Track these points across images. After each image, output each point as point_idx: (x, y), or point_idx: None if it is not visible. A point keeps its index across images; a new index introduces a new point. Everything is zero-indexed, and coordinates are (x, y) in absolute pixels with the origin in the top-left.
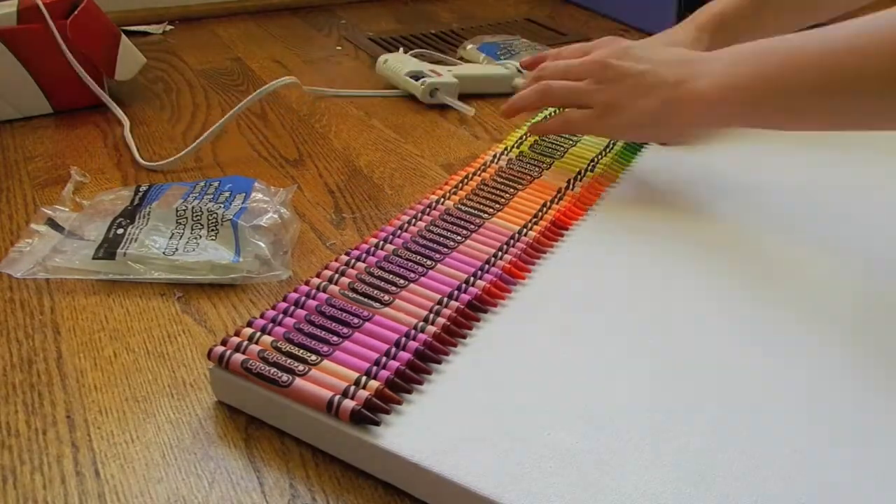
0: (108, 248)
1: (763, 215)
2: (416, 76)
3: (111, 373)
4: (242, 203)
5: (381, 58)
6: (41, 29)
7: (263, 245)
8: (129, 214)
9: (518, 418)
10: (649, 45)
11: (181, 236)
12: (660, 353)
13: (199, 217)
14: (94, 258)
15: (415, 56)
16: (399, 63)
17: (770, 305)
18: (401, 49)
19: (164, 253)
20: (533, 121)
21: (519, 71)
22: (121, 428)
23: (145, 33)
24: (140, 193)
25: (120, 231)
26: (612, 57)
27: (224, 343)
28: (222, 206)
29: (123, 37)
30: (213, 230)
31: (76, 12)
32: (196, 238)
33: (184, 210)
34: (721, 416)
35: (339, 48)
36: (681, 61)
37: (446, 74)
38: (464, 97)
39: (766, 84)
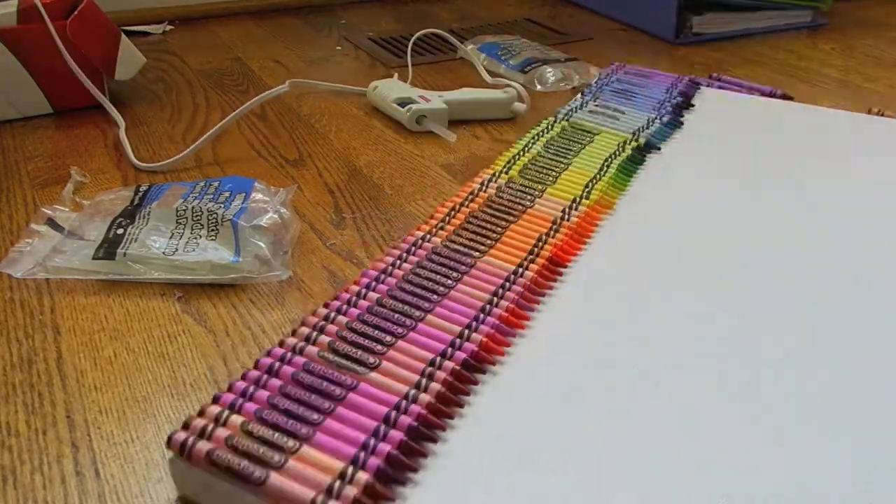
0: (108, 248)
1: (772, 238)
2: (404, 102)
3: (111, 373)
4: (242, 203)
5: (372, 84)
6: (41, 29)
7: (263, 245)
8: (129, 214)
9: None
10: None
11: (181, 236)
12: (683, 410)
13: (199, 217)
14: (94, 258)
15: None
16: (387, 89)
17: (794, 343)
18: (395, 75)
19: (164, 253)
20: (526, 137)
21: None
22: (121, 428)
23: (145, 33)
24: (140, 193)
25: (120, 231)
26: None
27: (186, 426)
28: (222, 206)
29: (123, 37)
30: (213, 230)
31: (76, 12)
32: (196, 238)
33: (184, 210)
34: (750, 476)
35: (339, 48)
36: None
37: (435, 100)
38: (458, 122)
39: None
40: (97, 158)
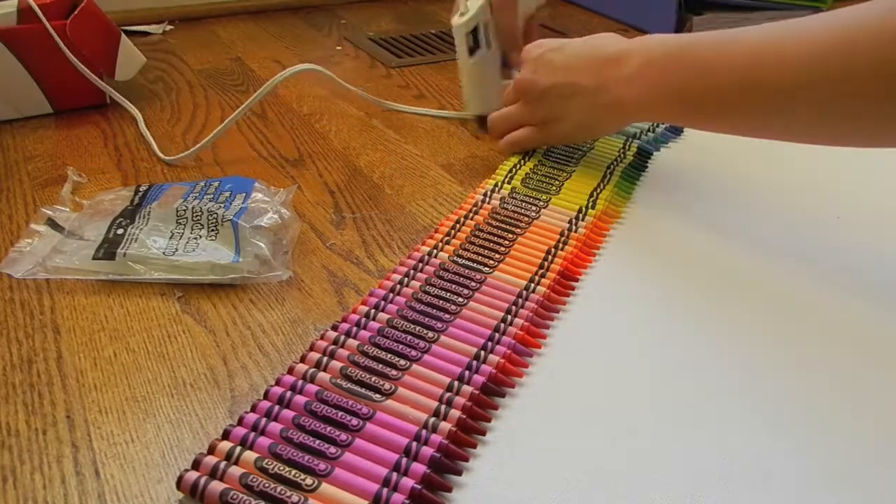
0: (108, 249)
1: (780, 240)
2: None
3: (111, 373)
4: (242, 203)
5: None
6: (41, 29)
7: (263, 245)
8: (130, 214)
9: None
10: (571, 42)
11: (181, 236)
12: (711, 424)
13: (199, 217)
14: (94, 258)
15: None
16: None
17: (809, 359)
18: None
19: (164, 253)
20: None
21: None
22: (121, 428)
23: (145, 33)
24: (140, 193)
25: (120, 231)
26: (531, 70)
27: (196, 465)
28: (222, 206)
29: (123, 37)
30: (213, 230)
31: (76, 12)
32: (196, 238)
33: (184, 210)
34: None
35: (339, 48)
36: (597, 62)
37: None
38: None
39: (681, 95)
40: (97, 158)
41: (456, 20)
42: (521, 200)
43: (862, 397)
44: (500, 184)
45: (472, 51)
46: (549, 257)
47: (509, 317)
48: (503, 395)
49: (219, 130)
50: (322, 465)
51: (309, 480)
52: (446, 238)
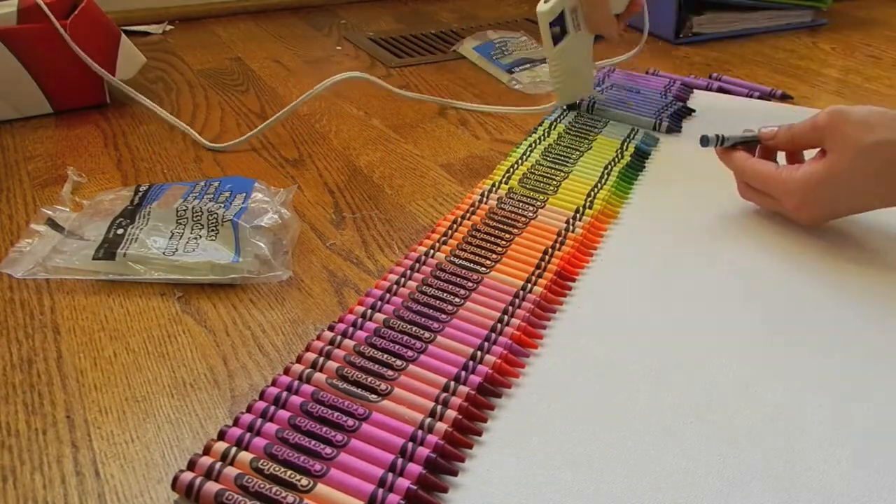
0: (108, 249)
1: (778, 240)
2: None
3: (111, 373)
4: (243, 203)
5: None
6: (42, 29)
7: (263, 245)
8: (130, 214)
9: None
10: (848, 175)
11: (181, 236)
12: (706, 420)
13: (199, 217)
14: (94, 258)
15: None
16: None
17: (815, 361)
18: None
19: (164, 253)
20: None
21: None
22: (121, 428)
23: (145, 33)
24: (140, 193)
25: (120, 231)
26: (796, 207)
27: (192, 466)
28: (222, 206)
29: (123, 37)
30: (213, 230)
31: (76, 12)
32: (196, 238)
33: (184, 210)
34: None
35: (339, 48)
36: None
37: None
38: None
39: None
40: (97, 158)
41: (540, 7)
42: (519, 200)
43: (874, 395)
44: (497, 184)
45: (557, 38)
46: (546, 257)
47: (506, 317)
48: (499, 396)
49: (273, 120)
50: (318, 466)
51: (304, 481)
52: (443, 238)
